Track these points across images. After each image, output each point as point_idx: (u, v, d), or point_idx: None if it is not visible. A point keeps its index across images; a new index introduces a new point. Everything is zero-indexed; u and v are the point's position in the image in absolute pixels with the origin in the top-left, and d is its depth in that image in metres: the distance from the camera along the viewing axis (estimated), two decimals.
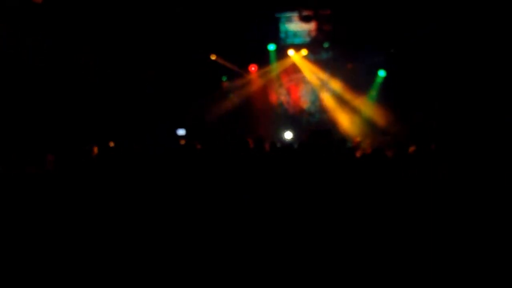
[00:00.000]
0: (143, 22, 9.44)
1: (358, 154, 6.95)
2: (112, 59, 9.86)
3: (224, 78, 12.63)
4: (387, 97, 11.16)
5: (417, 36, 9.79)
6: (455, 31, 9.24)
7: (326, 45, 11.69)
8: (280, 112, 12.75)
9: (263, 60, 12.23)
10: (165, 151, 6.75)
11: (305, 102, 12.66)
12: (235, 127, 11.53)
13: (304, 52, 11.98)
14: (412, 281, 3.38)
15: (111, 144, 7.15)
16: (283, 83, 12.78)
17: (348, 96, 11.89)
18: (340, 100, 12.04)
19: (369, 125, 11.48)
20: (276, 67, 12.45)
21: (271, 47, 11.91)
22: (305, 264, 3.65)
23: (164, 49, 10.52)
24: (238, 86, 12.63)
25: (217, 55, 11.87)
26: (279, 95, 12.82)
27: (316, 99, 12.50)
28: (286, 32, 11.78)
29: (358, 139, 10.27)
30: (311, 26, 11.33)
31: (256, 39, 11.37)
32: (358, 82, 11.68)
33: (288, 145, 8.13)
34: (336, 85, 12.05)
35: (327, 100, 12.26)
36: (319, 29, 11.25)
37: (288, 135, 11.99)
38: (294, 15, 11.18)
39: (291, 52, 12.00)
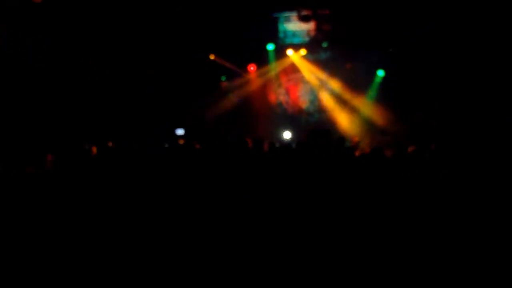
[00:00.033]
0: (142, 21, 9.44)
1: (356, 154, 6.97)
2: (111, 59, 9.87)
3: (223, 78, 12.63)
4: (386, 97, 11.15)
5: (416, 35, 9.80)
6: (454, 30, 9.25)
7: (325, 45, 11.68)
8: (279, 112, 12.75)
9: (262, 59, 12.22)
10: (164, 151, 6.77)
11: (304, 102, 12.66)
12: (234, 127, 11.53)
13: (303, 52, 11.97)
14: (411, 280, 3.40)
15: (110, 144, 7.15)
16: (282, 83, 12.78)
17: (347, 96, 11.90)
18: (339, 100, 12.05)
19: (368, 125, 11.49)
20: (275, 67, 12.45)
21: (270, 47, 11.91)
22: (304, 263, 3.66)
23: (164, 48, 10.53)
24: (237, 86, 12.63)
25: (216, 54, 11.88)
26: (278, 95, 12.82)
27: (315, 99, 12.50)
28: (285, 32, 11.79)
29: (357, 139, 10.29)
30: (310, 26, 11.33)
31: (255, 39, 11.36)
32: (357, 82, 11.68)
33: (287, 145, 8.14)
34: (335, 84, 12.05)
35: (326, 100, 12.26)
36: (318, 29, 11.25)
37: (287, 134, 12.00)
38: (293, 15, 11.20)
39: (290, 52, 11.99)
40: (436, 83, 10.07)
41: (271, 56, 12.18)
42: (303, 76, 12.48)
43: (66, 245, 3.86)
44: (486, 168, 4.64)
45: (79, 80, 9.05)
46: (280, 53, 12.08)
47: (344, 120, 11.87)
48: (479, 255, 3.52)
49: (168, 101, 11.15)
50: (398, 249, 3.73)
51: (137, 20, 9.37)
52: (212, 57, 11.87)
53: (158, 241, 3.99)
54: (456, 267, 3.48)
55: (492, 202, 4.02)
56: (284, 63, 12.39)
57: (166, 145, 8.75)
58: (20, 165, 5.19)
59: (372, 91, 11.69)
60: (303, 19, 10.99)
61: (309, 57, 12.16)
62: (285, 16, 11.42)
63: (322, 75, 12.19)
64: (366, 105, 11.71)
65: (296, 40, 11.84)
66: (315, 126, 11.57)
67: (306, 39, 11.70)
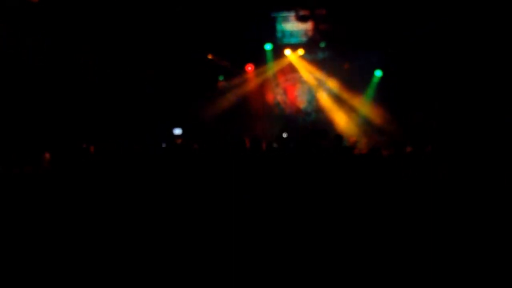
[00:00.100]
0: (142, 21, 9.43)
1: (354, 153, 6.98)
2: (111, 59, 9.86)
3: (221, 78, 12.62)
4: (385, 97, 11.17)
5: (416, 35, 9.81)
6: (454, 30, 9.27)
7: (322, 45, 11.70)
8: (277, 112, 12.75)
9: (259, 59, 12.23)
10: (163, 150, 6.77)
11: (301, 102, 12.67)
12: (231, 126, 11.52)
13: (300, 51, 11.99)
14: (408, 278, 3.41)
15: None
16: (279, 83, 12.79)
17: (345, 95, 11.93)
18: (337, 100, 12.08)
19: (366, 125, 11.52)
20: (272, 67, 12.45)
21: (268, 46, 11.93)
22: (304, 262, 3.67)
23: (163, 48, 10.52)
24: (234, 86, 12.62)
25: (214, 54, 11.87)
26: (275, 95, 12.82)
27: (313, 99, 12.52)
28: (283, 31, 11.79)
29: (354, 138, 10.31)
30: (307, 26, 11.33)
31: (253, 39, 11.35)
32: (354, 82, 11.72)
33: (284, 144, 8.15)
34: (332, 84, 12.09)
35: (324, 99, 12.29)
36: (315, 29, 11.27)
37: (284, 135, 12.01)
38: (291, 15, 11.19)
39: (287, 51, 12.01)
40: (436, 83, 10.10)
41: (269, 56, 12.18)
42: (300, 76, 12.50)
43: (64, 245, 3.86)
44: (486, 168, 4.66)
45: (79, 80, 9.04)
46: (278, 53, 12.09)
47: (341, 120, 11.89)
48: (477, 255, 3.54)
49: (168, 101, 11.14)
50: (396, 248, 3.75)
51: (137, 20, 9.37)
52: (209, 56, 11.86)
53: (157, 240, 3.99)
54: (452, 265, 3.49)
55: (492, 201, 4.04)
56: (282, 63, 12.40)
57: (164, 145, 8.75)
58: (19, 164, 5.19)
59: (370, 91, 11.72)
60: (301, 19, 11.00)
61: (307, 57, 12.17)
62: (283, 16, 11.41)
63: (320, 75, 12.21)
64: (363, 105, 11.75)
65: (294, 40, 11.84)
66: (312, 126, 11.59)
67: (304, 39, 11.70)
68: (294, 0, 10.56)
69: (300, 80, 12.61)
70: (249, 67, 12.45)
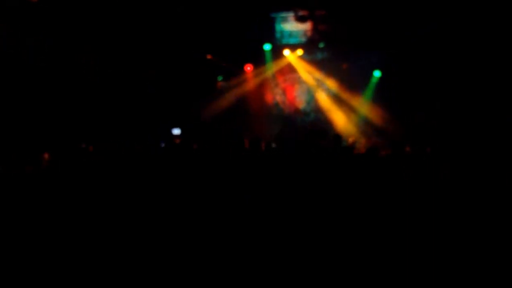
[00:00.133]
0: (144, 21, 9.44)
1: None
2: (113, 59, 9.87)
3: (219, 78, 12.62)
4: (387, 97, 11.15)
5: (417, 35, 9.83)
6: (456, 30, 9.28)
7: (321, 45, 11.72)
8: (276, 112, 12.76)
9: (258, 59, 12.23)
10: (162, 150, 6.77)
11: (300, 102, 12.69)
12: (230, 126, 11.52)
13: (299, 52, 12.00)
14: (405, 278, 3.42)
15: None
16: (278, 83, 12.80)
17: (344, 96, 11.95)
18: (336, 100, 12.10)
19: (364, 125, 11.54)
20: (271, 67, 12.46)
21: (267, 47, 11.92)
22: (304, 261, 3.68)
23: (165, 48, 10.52)
24: (233, 86, 12.63)
25: (213, 54, 11.87)
26: (274, 95, 12.83)
27: (312, 99, 12.53)
28: (282, 32, 11.81)
29: (352, 139, 10.33)
30: (306, 26, 11.36)
31: (252, 39, 11.36)
32: (353, 82, 11.73)
33: (284, 144, 8.15)
34: (331, 85, 12.11)
35: (323, 100, 12.30)
36: (314, 29, 11.29)
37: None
38: (290, 15, 11.22)
39: (286, 52, 12.02)
40: (437, 83, 10.11)
41: (268, 56, 12.19)
42: (299, 76, 12.51)
43: (63, 244, 3.86)
44: (487, 168, 4.68)
45: (81, 80, 9.04)
46: (276, 53, 12.09)
47: (340, 121, 11.91)
48: (477, 255, 3.55)
49: (169, 101, 11.15)
50: (395, 248, 3.76)
51: (138, 20, 9.37)
52: (208, 57, 11.86)
53: (157, 240, 4.00)
54: (451, 265, 3.51)
55: (492, 202, 4.06)
56: (281, 63, 12.40)
57: (163, 145, 8.75)
58: (20, 164, 5.19)
59: (369, 92, 11.74)
60: (300, 19, 11.02)
61: (306, 57, 12.18)
62: (282, 16, 11.44)
63: (319, 75, 12.23)
64: (362, 106, 11.77)
65: (292, 41, 11.85)
66: (311, 126, 11.60)
67: (303, 39, 11.72)
68: (293, 0, 10.57)
69: (299, 81, 12.62)
70: (248, 67, 12.45)
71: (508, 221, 3.83)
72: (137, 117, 10.17)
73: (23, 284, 3.43)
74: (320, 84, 12.30)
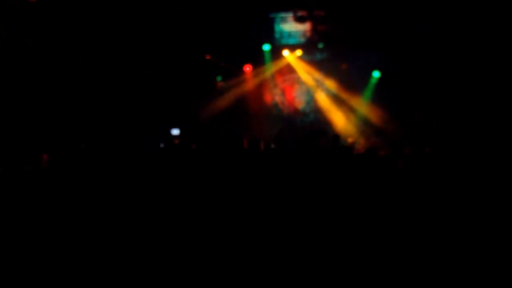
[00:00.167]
0: (142, 21, 9.44)
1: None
2: (111, 59, 9.87)
3: (219, 78, 12.62)
4: (385, 97, 11.17)
5: (416, 35, 9.84)
6: (454, 30, 9.29)
7: (320, 45, 11.74)
8: (275, 113, 12.76)
9: (258, 60, 12.24)
10: (162, 150, 6.77)
11: (299, 103, 12.69)
12: (229, 127, 11.53)
13: (298, 52, 12.01)
14: (404, 278, 3.42)
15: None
16: (277, 83, 12.80)
17: (343, 96, 11.96)
18: (335, 100, 12.11)
19: (364, 125, 11.55)
20: (270, 67, 12.47)
21: (266, 47, 11.93)
22: (303, 261, 3.68)
23: (164, 48, 10.52)
24: (233, 86, 12.63)
25: (212, 54, 11.87)
26: (273, 95, 12.83)
27: (311, 100, 12.54)
28: (281, 32, 11.82)
29: (352, 139, 10.34)
30: (305, 26, 11.37)
31: (251, 39, 11.37)
32: (352, 83, 11.75)
33: (283, 144, 8.17)
34: (330, 85, 12.12)
35: (322, 100, 12.31)
36: (313, 29, 11.30)
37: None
38: (289, 16, 11.23)
39: (285, 52, 12.03)
40: (436, 83, 10.12)
41: (267, 56, 12.19)
42: (299, 77, 12.52)
43: (64, 245, 3.86)
44: (486, 168, 4.68)
45: (79, 80, 9.04)
46: (276, 53, 12.10)
47: (339, 121, 11.92)
48: (477, 255, 3.55)
49: (167, 101, 11.15)
50: (394, 248, 3.76)
51: (137, 20, 9.37)
52: (208, 57, 11.86)
53: (157, 240, 3.99)
54: (450, 265, 3.51)
55: (492, 202, 4.06)
56: (280, 63, 12.41)
57: (162, 145, 8.76)
58: (19, 164, 5.19)
59: (368, 92, 11.75)
60: (299, 20, 11.03)
61: (305, 58, 12.20)
62: (281, 17, 11.45)
63: (318, 76, 12.23)
64: (361, 106, 11.78)
65: (292, 41, 11.87)
66: (311, 126, 11.61)
67: (302, 40, 11.74)
68: (292, 1, 10.58)
69: (298, 81, 12.63)
70: (247, 68, 12.46)
71: (507, 220, 3.83)
72: (136, 117, 10.17)
73: (23, 284, 3.42)
74: (319, 84, 12.31)
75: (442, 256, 3.59)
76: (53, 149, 5.76)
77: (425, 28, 9.52)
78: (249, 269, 3.59)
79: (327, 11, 10.55)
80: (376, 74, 11.58)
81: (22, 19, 7.67)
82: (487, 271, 3.39)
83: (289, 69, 12.51)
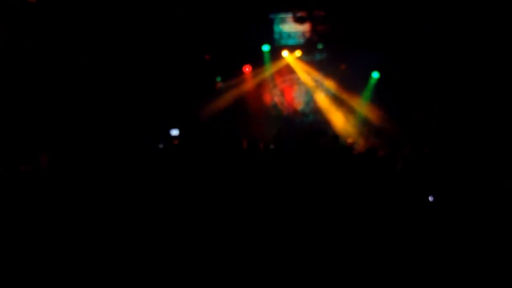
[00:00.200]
0: (142, 21, 9.44)
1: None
2: (111, 59, 9.87)
3: (218, 79, 12.63)
4: (385, 97, 11.17)
5: (416, 35, 9.84)
6: (454, 30, 9.29)
7: (320, 46, 11.76)
8: (274, 113, 12.77)
9: (257, 60, 12.24)
10: (162, 151, 6.77)
11: (299, 103, 12.70)
12: (229, 127, 11.53)
13: (298, 53, 12.03)
14: (403, 279, 3.43)
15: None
16: (277, 84, 12.81)
17: (342, 97, 11.98)
18: (334, 101, 12.12)
19: (364, 126, 11.56)
20: (270, 68, 12.47)
21: (265, 48, 11.95)
22: (302, 260, 3.69)
23: (163, 48, 10.52)
24: (232, 87, 12.63)
25: (212, 55, 11.88)
26: (273, 96, 12.84)
27: (310, 100, 12.55)
28: (280, 33, 11.83)
29: (351, 140, 10.34)
30: (305, 27, 11.38)
31: (251, 40, 11.38)
32: (352, 83, 11.76)
33: (282, 145, 8.17)
34: (330, 86, 12.13)
35: (321, 101, 12.32)
36: (313, 30, 11.32)
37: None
38: (288, 16, 11.24)
39: (285, 53, 12.04)
40: (436, 83, 10.12)
41: (267, 57, 12.20)
42: (298, 77, 12.54)
43: (62, 244, 3.86)
44: (485, 167, 4.68)
45: (79, 80, 9.04)
46: (275, 54, 12.11)
47: (339, 121, 11.93)
48: (477, 255, 3.55)
49: (167, 101, 11.15)
50: (393, 247, 3.77)
51: (137, 20, 9.37)
52: (207, 57, 11.87)
53: (156, 240, 3.99)
54: (448, 264, 3.51)
55: (492, 201, 4.06)
56: (279, 64, 12.42)
57: (161, 146, 8.75)
58: (20, 165, 5.19)
59: (367, 93, 11.76)
60: (298, 20, 11.04)
61: (304, 58, 12.22)
62: (281, 18, 11.45)
63: (317, 76, 12.25)
64: (361, 106, 11.79)
65: (291, 42, 11.88)
66: (310, 127, 11.62)
67: (301, 40, 11.75)
68: (292, 1, 10.59)
69: (297, 82, 12.64)
70: (247, 68, 12.47)
71: (507, 220, 3.84)
72: (136, 117, 10.17)
73: (23, 284, 3.42)
74: (318, 85, 12.32)
75: (442, 256, 3.60)
76: (53, 149, 5.76)
77: (425, 28, 9.53)
78: (249, 269, 3.60)
79: (327, 12, 10.55)
80: (375, 74, 11.60)
81: (22, 19, 7.67)
82: (488, 271, 3.39)
83: (289, 69, 12.52)
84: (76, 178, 5.03)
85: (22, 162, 5.29)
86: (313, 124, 12.08)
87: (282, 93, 12.82)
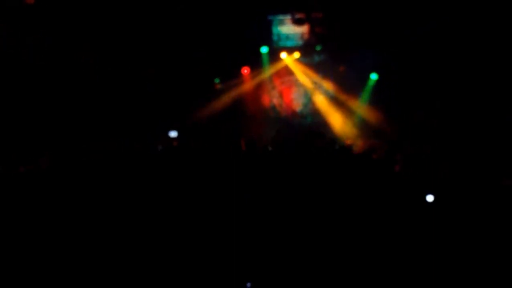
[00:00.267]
0: (143, 20, 9.45)
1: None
2: (112, 57, 9.87)
3: (217, 80, 12.64)
4: (385, 96, 11.17)
5: (417, 34, 9.87)
6: (455, 29, 9.32)
7: (318, 48, 11.80)
8: (273, 115, 12.78)
9: (255, 62, 12.26)
10: (161, 151, 6.78)
11: (297, 105, 12.72)
12: (227, 129, 11.53)
13: (296, 54, 12.06)
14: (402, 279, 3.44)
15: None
16: (275, 86, 12.82)
17: (341, 98, 12.02)
18: (333, 102, 12.15)
19: (362, 127, 11.59)
20: (268, 70, 12.49)
21: (264, 49, 11.96)
22: (302, 260, 3.70)
23: (164, 47, 10.53)
24: (230, 88, 12.65)
25: (210, 56, 11.88)
26: (271, 98, 12.85)
27: (309, 102, 12.57)
28: (279, 34, 11.85)
29: (349, 141, 10.36)
30: (303, 29, 11.43)
31: (249, 42, 11.41)
32: (350, 85, 11.79)
33: (281, 146, 8.18)
34: (328, 87, 12.17)
35: (320, 102, 12.35)
36: (311, 32, 11.36)
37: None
38: (287, 18, 11.28)
39: (283, 55, 12.07)
40: (437, 82, 10.14)
41: (265, 59, 12.22)
42: (296, 79, 12.55)
43: (62, 244, 3.86)
44: (486, 166, 4.70)
45: (80, 79, 9.04)
46: (273, 56, 12.13)
47: (337, 123, 11.96)
48: (477, 255, 3.57)
49: (168, 100, 11.15)
50: (393, 247, 3.78)
51: (137, 19, 9.38)
52: (206, 58, 11.88)
53: (156, 240, 4.00)
54: (448, 264, 3.53)
55: (491, 200, 4.08)
56: (278, 66, 12.44)
57: (160, 147, 8.75)
58: (20, 165, 5.19)
59: (365, 94, 11.80)
60: (297, 22, 11.08)
61: (303, 60, 12.24)
62: (279, 19, 11.49)
63: (316, 78, 12.28)
64: (359, 108, 11.83)
65: (289, 43, 11.91)
66: (309, 128, 11.63)
67: (300, 42, 11.79)
68: (290, 3, 10.63)
69: (296, 83, 12.65)
70: (245, 70, 12.48)
71: (508, 220, 3.85)
72: (137, 116, 10.17)
73: (23, 284, 3.42)
74: (317, 86, 12.35)
75: (442, 256, 3.61)
76: (54, 148, 5.76)
77: (426, 27, 9.55)
78: (250, 268, 3.61)
79: (325, 13, 10.58)
80: (373, 76, 11.64)
81: (22, 19, 7.67)
82: (488, 272, 3.41)
83: (287, 71, 12.53)
84: (77, 177, 5.03)
85: (23, 162, 5.29)
86: (312, 125, 12.09)
87: (281, 94, 12.83)
